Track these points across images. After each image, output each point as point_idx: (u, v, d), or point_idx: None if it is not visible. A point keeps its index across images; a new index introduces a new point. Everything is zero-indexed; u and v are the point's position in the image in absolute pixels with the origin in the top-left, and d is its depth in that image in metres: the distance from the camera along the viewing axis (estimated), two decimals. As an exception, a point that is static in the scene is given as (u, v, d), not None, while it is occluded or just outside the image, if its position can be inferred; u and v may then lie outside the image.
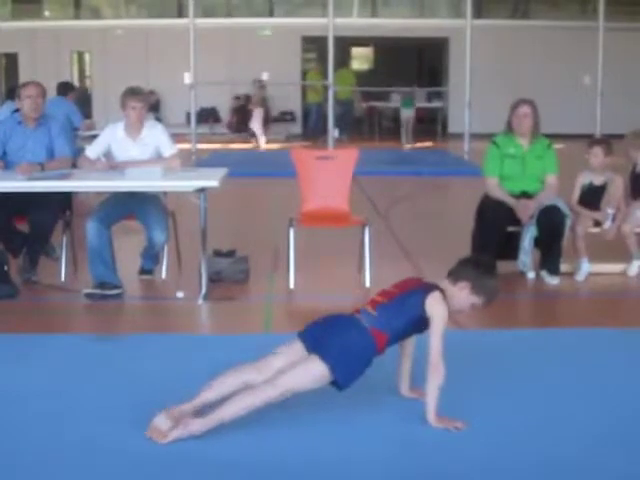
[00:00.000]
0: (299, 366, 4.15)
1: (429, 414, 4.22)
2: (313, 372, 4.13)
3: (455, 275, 4.38)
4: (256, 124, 22.80)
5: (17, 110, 7.81)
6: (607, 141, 7.94)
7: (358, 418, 4.37)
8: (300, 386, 4.13)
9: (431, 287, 4.35)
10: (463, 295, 4.36)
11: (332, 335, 4.22)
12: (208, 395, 4.16)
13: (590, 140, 8.19)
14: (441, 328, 4.24)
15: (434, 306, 4.26)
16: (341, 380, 4.17)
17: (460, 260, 4.50)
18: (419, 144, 21.86)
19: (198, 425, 4.05)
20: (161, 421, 4.06)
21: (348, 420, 4.34)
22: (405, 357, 4.59)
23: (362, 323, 4.24)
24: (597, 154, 7.70)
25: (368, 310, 4.30)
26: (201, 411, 4.13)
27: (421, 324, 4.31)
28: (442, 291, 4.34)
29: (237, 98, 25.57)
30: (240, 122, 24.64)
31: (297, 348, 4.26)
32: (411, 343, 4.57)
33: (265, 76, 25.07)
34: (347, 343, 4.18)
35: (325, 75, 19.25)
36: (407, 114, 21.97)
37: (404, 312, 4.28)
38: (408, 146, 21.05)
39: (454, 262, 4.49)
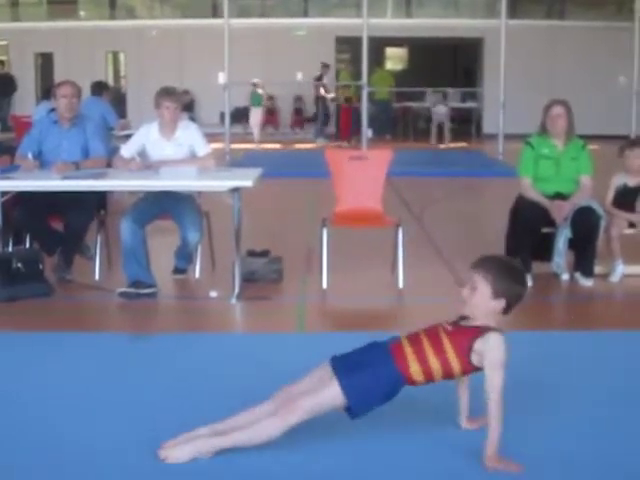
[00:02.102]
0: (319, 389, 3.99)
1: (489, 454, 3.89)
2: (327, 394, 3.96)
3: (497, 290, 4.04)
4: (253, 122, 23.53)
5: (53, 109, 7.86)
6: (643, 142, 7.89)
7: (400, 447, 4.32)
8: (318, 407, 3.96)
9: (483, 331, 4.05)
10: (498, 307, 4.08)
11: (359, 364, 4.01)
12: (232, 423, 4.04)
13: (627, 141, 8.12)
14: (499, 366, 3.98)
15: (493, 349, 3.98)
16: (354, 408, 3.99)
17: (500, 270, 4.11)
18: (453, 144, 21.78)
19: (210, 446, 3.95)
20: (184, 450, 3.95)
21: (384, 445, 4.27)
22: (462, 389, 4.34)
23: (395, 360, 4.02)
24: (637, 156, 7.64)
25: (404, 344, 4.05)
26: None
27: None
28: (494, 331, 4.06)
29: (270, 98, 25.63)
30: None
31: (324, 371, 4.08)
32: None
33: (299, 76, 25.12)
34: (372, 373, 3.98)
35: (357, 75, 19.24)
36: (440, 112, 20.93)
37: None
38: (442, 145, 20.19)
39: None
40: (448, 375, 4.05)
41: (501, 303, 4.07)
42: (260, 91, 23.45)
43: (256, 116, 23.62)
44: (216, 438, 3.96)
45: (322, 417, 3.99)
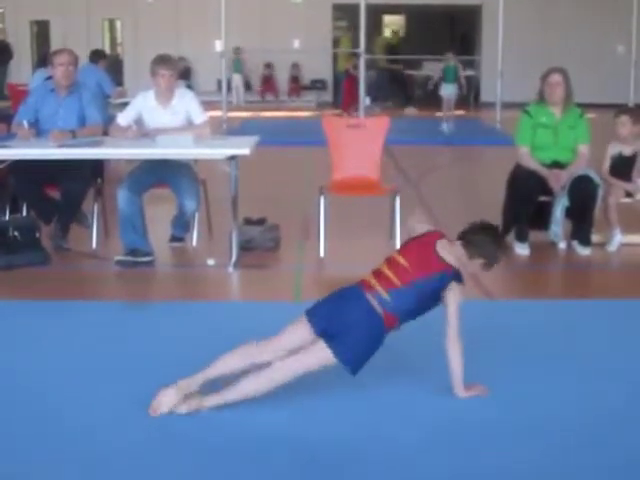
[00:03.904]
0: (306, 352, 4.08)
1: (457, 386, 4.22)
2: (319, 359, 4.06)
3: (472, 250, 4.24)
4: (235, 87, 24.79)
5: (49, 77, 7.83)
6: (636, 110, 7.85)
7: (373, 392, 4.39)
8: (306, 370, 4.08)
9: (453, 276, 4.21)
10: (476, 266, 4.29)
11: (341, 320, 4.10)
12: (211, 372, 4.12)
13: (618, 109, 8.09)
14: (457, 309, 4.18)
15: (453, 297, 4.19)
16: (350, 369, 4.08)
17: (474, 229, 4.33)
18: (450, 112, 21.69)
19: (202, 404, 4.08)
20: (169, 394, 4.07)
21: (366, 394, 4.36)
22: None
23: (373, 306, 4.11)
24: (624, 123, 7.62)
25: (380, 293, 4.13)
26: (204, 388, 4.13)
27: (432, 305, 4.25)
28: (462, 275, 4.25)
29: (268, 66, 25.59)
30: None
31: (304, 328, 4.16)
32: None
33: (296, 44, 25.05)
34: (356, 329, 4.07)
35: (356, 43, 19.15)
36: (449, 91, 18.63)
37: (420, 299, 4.17)
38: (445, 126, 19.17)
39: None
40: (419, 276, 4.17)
41: (488, 268, 4.35)
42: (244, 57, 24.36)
43: (238, 83, 24.81)
44: (207, 397, 4.08)
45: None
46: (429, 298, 4.19)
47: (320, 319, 4.14)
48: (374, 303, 4.12)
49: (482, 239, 4.27)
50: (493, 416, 4.08)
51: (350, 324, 4.08)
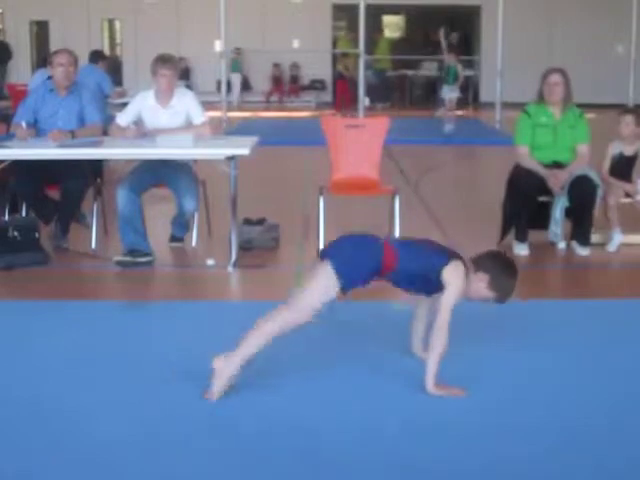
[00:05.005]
0: (310, 278, 4.27)
1: (428, 381, 4.22)
2: (320, 276, 4.22)
3: (478, 264, 4.36)
4: (234, 88, 25.03)
5: (49, 77, 7.84)
6: (639, 111, 7.86)
7: (357, 379, 4.45)
8: (315, 297, 4.19)
9: (457, 257, 4.34)
10: (480, 286, 4.34)
11: (344, 242, 4.35)
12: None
13: (621, 109, 8.11)
14: (453, 298, 4.22)
15: (452, 275, 4.24)
16: (343, 279, 4.19)
17: (488, 251, 4.48)
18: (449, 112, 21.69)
19: (227, 367, 4.16)
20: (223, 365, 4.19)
21: (349, 382, 4.43)
22: (418, 318, 4.68)
23: (379, 239, 4.33)
24: (628, 123, 7.63)
25: (394, 237, 4.37)
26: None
27: (431, 285, 4.31)
28: (468, 268, 4.33)
29: (276, 65, 25.64)
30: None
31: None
32: (425, 307, 4.61)
33: (296, 44, 25.07)
34: (355, 245, 4.30)
35: (355, 43, 19.17)
36: (451, 95, 18.04)
37: (422, 263, 4.28)
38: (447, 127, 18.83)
39: (483, 231, 4.46)
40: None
41: (494, 295, 4.39)
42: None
43: (235, 82, 25.00)
44: (228, 357, 4.20)
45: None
46: (429, 271, 4.26)
47: (329, 248, 4.37)
48: (381, 239, 4.33)
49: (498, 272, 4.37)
50: (491, 414, 4.08)
51: (350, 244, 4.32)
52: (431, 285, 4.30)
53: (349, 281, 4.21)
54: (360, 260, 4.26)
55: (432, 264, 4.27)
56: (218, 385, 4.16)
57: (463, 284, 4.26)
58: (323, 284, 4.19)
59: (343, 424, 3.97)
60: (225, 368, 4.16)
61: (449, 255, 4.32)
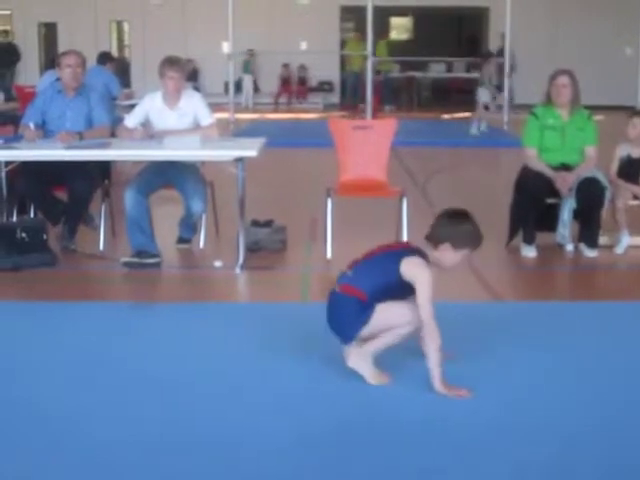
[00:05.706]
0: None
1: (434, 380, 4.22)
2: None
3: (433, 239, 4.34)
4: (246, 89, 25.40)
5: (58, 79, 7.85)
6: (648, 113, 7.85)
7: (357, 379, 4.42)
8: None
9: (411, 251, 4.34)
10: (449, 255, 4.33)
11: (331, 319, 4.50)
12: None
13: (632, 110, 8.09)
14: (426, 291, 4.20)
15: (411, 270, 4.25)
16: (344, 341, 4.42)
17: (433, 223, 4.43)
18: (458, 115, 21.68)
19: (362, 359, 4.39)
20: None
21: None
22: None
23: (344, 293, 4.39)
24: (636, 125, 7.61)
25: (346, 271, 4.44)
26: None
27: (404, 288, 4.29)
28: (425, 255, 4.32)
29: (286, 66, 25.65)
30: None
31: None
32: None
33: (303, 45, 25.08)
34: (337, 318, 4.44)
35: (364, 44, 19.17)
36: (484, 99, 17.64)
37: (379, 273, 4.32)
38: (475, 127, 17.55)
39: (491, 233, 4.44)
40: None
41: (467, 249, 4.37)
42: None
43: (247, 83, 25.28)
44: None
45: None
46: (391, 275, 4.28)
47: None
48: (344, 289, 4.39)
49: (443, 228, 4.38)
50: (496, 415, 4.07)
51: (335, 319, 4.45)
52: (404, 287, 4.30)
53: (349, 341, 4.43)
54: (349, 326, 4.41)
55: (390, 270, 4.30)
56: (366, 373, 4.35)
57: (427, 270, 4.25)
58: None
59: (343, 424, 3.98)
60: (360, 361, 4.36)
61: (399, 253, 4.34)
